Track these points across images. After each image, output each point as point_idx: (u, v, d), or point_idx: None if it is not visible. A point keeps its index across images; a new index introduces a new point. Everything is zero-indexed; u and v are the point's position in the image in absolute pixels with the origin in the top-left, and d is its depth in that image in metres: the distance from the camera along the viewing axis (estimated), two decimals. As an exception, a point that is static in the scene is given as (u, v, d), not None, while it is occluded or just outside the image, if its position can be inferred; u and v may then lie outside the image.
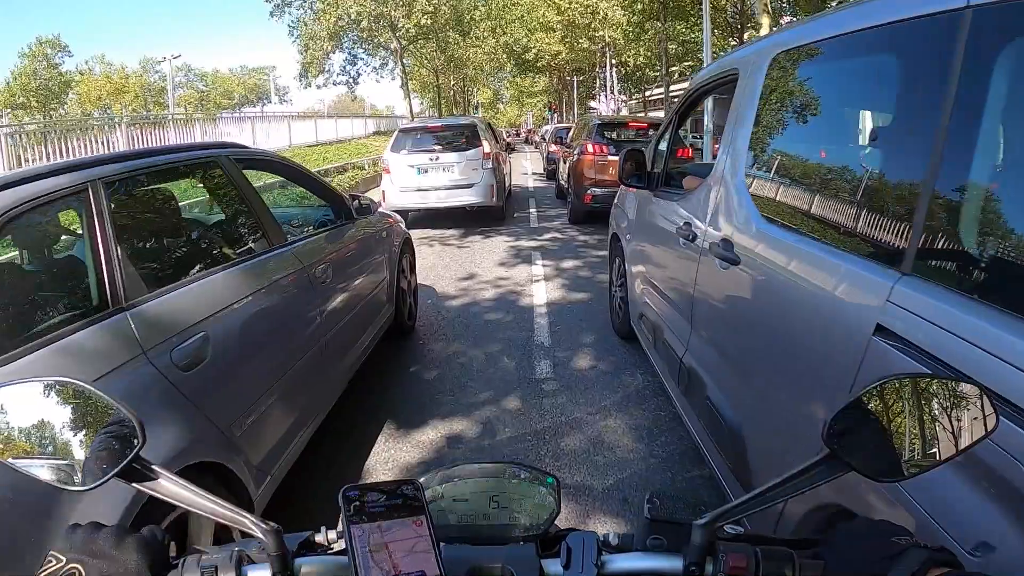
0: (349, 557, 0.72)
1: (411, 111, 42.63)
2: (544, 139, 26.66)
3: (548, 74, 60.48)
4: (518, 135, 70.34)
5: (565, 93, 66.49)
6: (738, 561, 0.77)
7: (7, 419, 0.77)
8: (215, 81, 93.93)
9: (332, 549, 0.83)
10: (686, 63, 38.09)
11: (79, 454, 0.78)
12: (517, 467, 0.93)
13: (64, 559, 0.71)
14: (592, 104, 56.16)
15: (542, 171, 23.37)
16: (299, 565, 0.78)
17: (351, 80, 45.30)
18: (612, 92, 41.51)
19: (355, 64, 44.86)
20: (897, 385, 0.79)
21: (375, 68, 46.59)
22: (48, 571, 0.70)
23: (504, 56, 53.46)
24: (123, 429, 0.79)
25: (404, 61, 42.46)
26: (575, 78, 58.34)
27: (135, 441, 0.78)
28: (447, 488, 0.91)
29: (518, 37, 51.09)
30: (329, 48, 40.78)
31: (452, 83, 58.80)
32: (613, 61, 39.39)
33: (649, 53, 37.04)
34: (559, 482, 0.91)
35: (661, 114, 56.17)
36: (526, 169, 26.01)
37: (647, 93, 51.60)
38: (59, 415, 0.78)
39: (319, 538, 0.83)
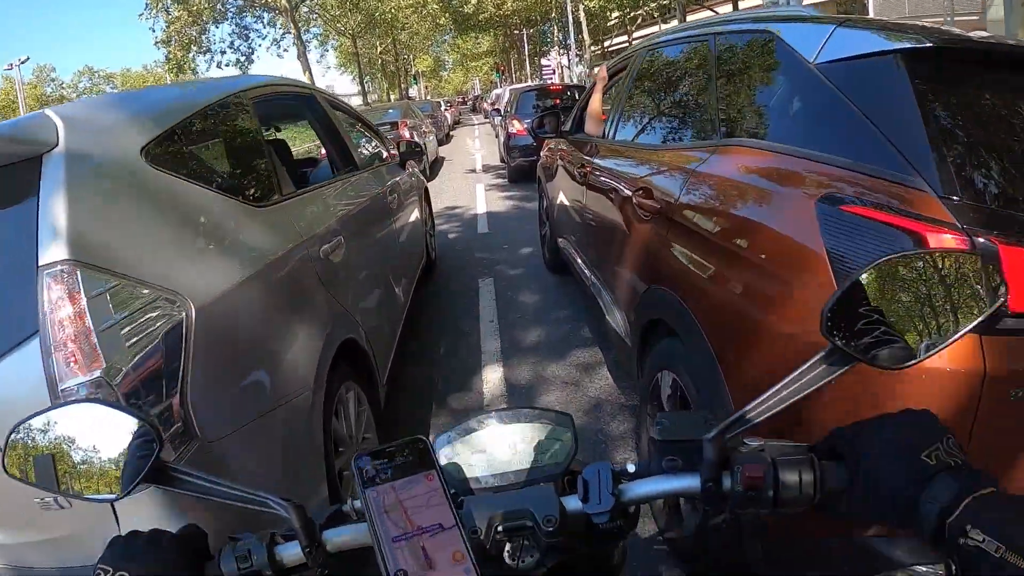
0: (367, 520, 0.80)
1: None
2: (500, 111, 21.24)
3: (493, 31, 60.39)
4: (463, 103, 70.70)
5: (514, 52, 66.56)
6: (754, 472, 0.83)
7: (42, 445, 0.92)
8: (126, 81, 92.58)
9: (357, 519, 0.93)
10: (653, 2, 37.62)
11: (108, 467, 0.91)
12: (530, 410, 1.02)
13: (111, 569, 0.82)
14: (544, 62, 56.33)
15: (499, 162, 18.10)
16: (327, 537, 0.89)
17: (243, 59, 40.06)
18: (578, 40, 40.45)
19: (247, 39, 40.09)
20: (892, 266, 0.84)
21: (275, 40, 41.74)
22: None
23: (438, 8, 50.63)
24: (144, 437, 0.92)
25: (299, 25, 39.21)
26: (524, 31, 58.17)
27: (154, 446, 0.90)
28: (465, 441, 1.00)
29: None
30: (203, 11, 36.26)
31: (380, 51, 58.19)
32: (573, 3, 38.58)
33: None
34: (573, 419, 1.01)
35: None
36: (473, 156, 21.66)
37: (606, 44, 52.19)
38: (85, 434, 0.92)
39: (345, 509, 0.94)
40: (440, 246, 8.78)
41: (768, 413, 0.84)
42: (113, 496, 0.90)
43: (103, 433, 0.91)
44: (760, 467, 0.83)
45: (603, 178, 3.95)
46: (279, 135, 6.36)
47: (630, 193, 3.24)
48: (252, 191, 2.86)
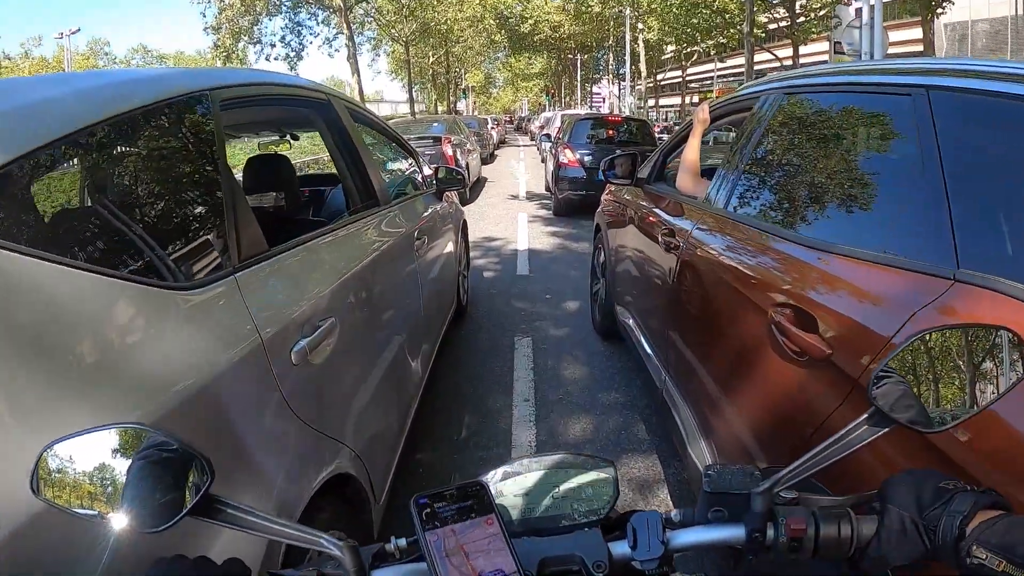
0: (428, 564, 0.81)
1: (360, 90, 38.79)
2: (549, 136, 20.18)
3: (547, 53, 60.45)
4: (510, 122, 70.49)
5: (565, 76, 66.66)
6: (797, 523, 0.88)
7: (76, 470, 0.86)
8: (178, 63, 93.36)
9: (403, 558, 0.92)
10: (714, 40, 37.08)
11: (148, 496, 0.86)
12: (573, 455, 1.06)
13: None
14: (595, 89, 56.31)
15: (545, 191, 17.10)
16: None
17: (293, 55, 39.81)
18: (633, 70, 39.87)
19: (299, 35, 39.75)
20: (935, 337, 0.91)
21: (327, 39, 41.72)
22: None
23: (495, 24, 51.12)
24: (191, 467, 0.88)
25: (352, 26, 38.47)
26: (578, 57, 58.20)
27: (204, 477, 0.87)
28: (507, 484, 1.02)
29: (511, 2, 50.13)
30: (258, 2, 36.08)
31: (432, 61, 57.42)
32: (631, 33, 37.97)
33: (669, 26, 36.08)
34: (615, 466, 1.04)
35: (676, 100, 56.73)
36: (517, 181, 20.86)
37: (659, 77, 51.76)
38: (125, 460, 0.86)
39: (390, 548, 0.92)
40: (474, 286, 7.64)
41: (815, 469, 0.90)
42: (152, 528, 0.84)
43: (144, 459, 0.86)
44: (803, 519, 0.88)
45: (706, 261, 2.87)
46: (288, 143, 5.35)
47: (765, 307, 2.18)
48: (182, 262, 1.78)
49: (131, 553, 1.26)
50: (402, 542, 0.92)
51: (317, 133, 3.91)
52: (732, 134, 12.58)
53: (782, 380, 2.09)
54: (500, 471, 1.03)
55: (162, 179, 1.91)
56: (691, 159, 3.75)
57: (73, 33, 58.45)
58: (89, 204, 1.69)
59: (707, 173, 3.74)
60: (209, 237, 1.95)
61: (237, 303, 1.87)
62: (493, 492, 0.96)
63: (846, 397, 1.74)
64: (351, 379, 2.58)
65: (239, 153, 6.78)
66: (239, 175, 4.31)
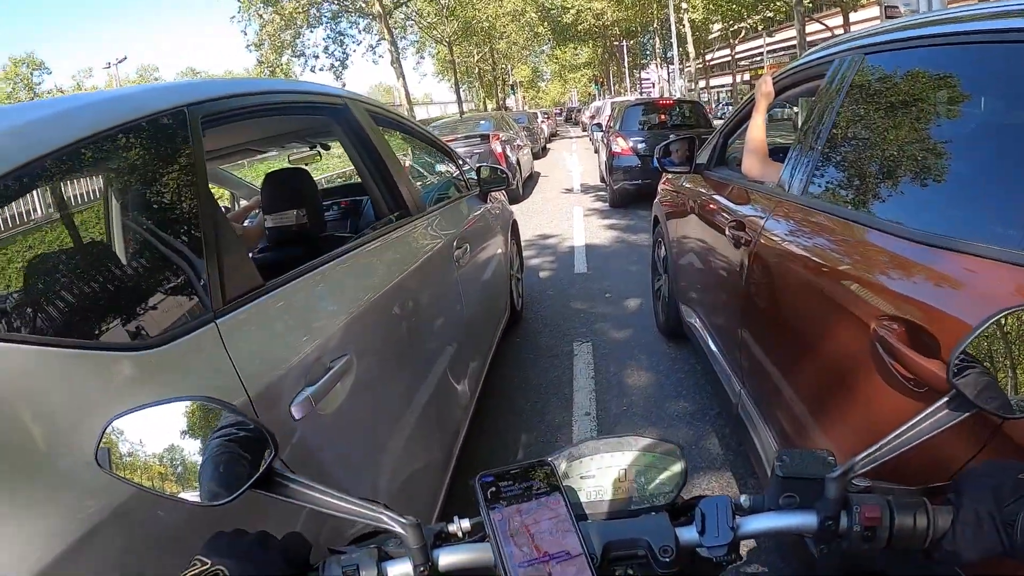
0: (491, 543, 0.80)
1: (407, 94, 38.66)
2: (600, 126, 18.94)
3: (592, 42, 59.90)
4: (559, 114, 70.04)
5: (612, 64, 66.14)
6: (872, 512, 0.85)
7: (137, 443, 0.86)
8: None
9: (466, 538, 0.90)
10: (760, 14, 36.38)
11: (209, 469, 0.86)
12: (639, 438, 1.00)
13: (208, 562, 0.79)
14: (644, 75, 55.63)
15: (599, 182, 16.54)
16: (438, 555, 0.86)
17: (338, 64, 40.38)
18: (681, 53, 39.31)
19: (341, 44, 40.24)
20: (1017, 316, 0.83)
21: (370, 47, 41.64)
22: (192, 573, 0.78)
23: (536, 17, 50.69)
24: (253, 441, 0.88)
25: (393, 31, 38.34)
26: (624, 43, 57.63)
27: (267, 452, 0.87)
28: (572, 467, 0.98)
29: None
30: (297, 15, 36.35)
31: (476, 59, 57.06)
32: (676, 14, 37.33)
33: (714, 4, 35.42)
34: (683, 449, 1.00)
35: (727, 80, 55.78)
36: (571, 173, 20.35)
37: (708, 58, 50.88)
38: (189, 433, 0.87)
39: (452, 528, 0.91)
40: (529, 287, 7.29)
41: (892, 455, 0.86)
42: (215, 502, 0.85)
43: (208, 433, 0.87)
44: (878, 508, 0.85)
45: (785, 258, 2.44)
46: (319, 155, 5.05)
47: (865, 319, 1.75)
48: (136, 316, 1.45)
49: (190, 527, 1.24)
50: (465, 522, 0.91)
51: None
52: (790, 109, 12.11)
53: (886, 410, 1.68)
54: (565, 452, 0.99)
55: (112, 216, 1.59)
56: (757, 139, 3.32)
57: (120, 62, 59.57)
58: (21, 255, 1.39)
59: (773, 155, 3.31)
60: (179, 280, 1.62)
61: (216, 356, 1.54)
62: (559, 473, 0.94)
63: (983, 446, 1.34)
64: (376, 423, 2.23)
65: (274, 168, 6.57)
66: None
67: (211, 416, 0.90)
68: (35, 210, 1.41)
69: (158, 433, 0.87)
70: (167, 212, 1.66)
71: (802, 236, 2.37)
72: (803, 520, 0.88)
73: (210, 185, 5.02)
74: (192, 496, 0.86)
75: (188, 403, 0.89)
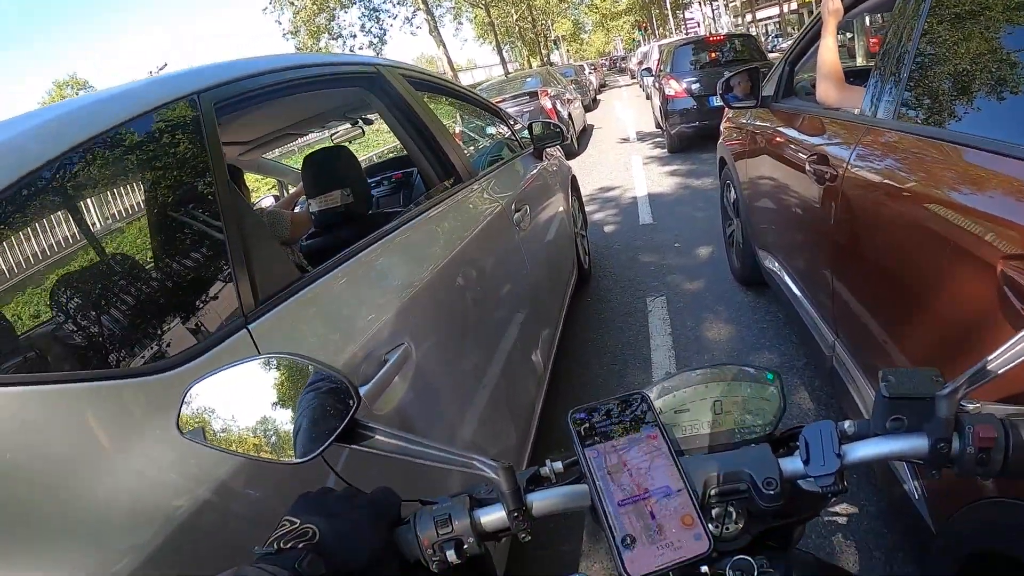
0: (588, 481, 0.79)
1: (449, 61, 37.52)
2: (650, 70, 17.64)
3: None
4: (606, 65, 69.21)
5: (654, 6, 64.99)
6: (987, 432, 0.78)
7: (218, 407, 0.85)
8: None
9: (559, 481, 0.88)
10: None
11: (290, 427, 0.85)
12: (733, 367, 0.98)
13: (298, 521, 0.78)
14: (687, 15, 54.57)
15: (655, 128, 15.78)
16: (531, 500, 0.84)
17: (376, 40, 40.47)
18: None
19: (377, 20, 40.21)
20: None
21: (406, 19, 41.28)
22: (281, 533, 0.77)
23: None
24: (334, 392, 0.86)
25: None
26: (666, -17, 56.58)
27: (350, 403, 0.85)
28: (666, 400, 0.96)
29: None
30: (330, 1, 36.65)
31: (516, 18, 56.26)
32: None
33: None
34: (781, 378, 0.97)
35: (774, 11, 54.29)
36: (625, 123, 19.60)
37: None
38: (270, 391, 0.86)
39: (544, 472, 0.88)
40: (594, 244, 7.08)
41: (1006, 367, 0.78)
42: (297, 458, 0.84)
43: (286, 390, 0.87)
44: (992, 427, 0.78)
45: (882, 194, 2.14)
46: (361, 130, 4.89)
47: (991, 260, 1.48)
48: (147, 338, 1.29)
49: (273, 493, 1.24)
50: (558, 465, 0.88)
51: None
52: (843, 35, 11.63)
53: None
54: (657, 387, 0.98)
55: (117, 221, 1.43)
56: (831, 62, 3.03)
57: (161, 70, 60.59)
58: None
59: (848, 79, 3.03)
60: (202, 285, 1.45)
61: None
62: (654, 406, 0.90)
63: None
64: (441, 415, 2.06)
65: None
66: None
67: (294, 370, 0.88)
68: (26, 229, 1.24)
69: (238, 393, 0.85)
70: (181, 211, 1.50)
71: (900, 166, 2.09)
72: (913, 444, 0.82)
73: (258, 175, 4.83)
74: (271, 455, 0.85)
75: (265, 360, 0.87)
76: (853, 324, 2.54)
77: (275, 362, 0.88)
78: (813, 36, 3.39)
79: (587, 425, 0.84)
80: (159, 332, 1.29)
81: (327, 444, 0.83)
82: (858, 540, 2.56)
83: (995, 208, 1.55)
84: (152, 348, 1.25)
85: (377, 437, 0.86)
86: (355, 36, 39.80)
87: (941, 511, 1.79)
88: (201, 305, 1.39)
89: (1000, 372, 0.78)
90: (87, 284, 1.31)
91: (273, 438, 0.85)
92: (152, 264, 1.43)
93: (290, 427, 0.85)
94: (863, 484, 2.82)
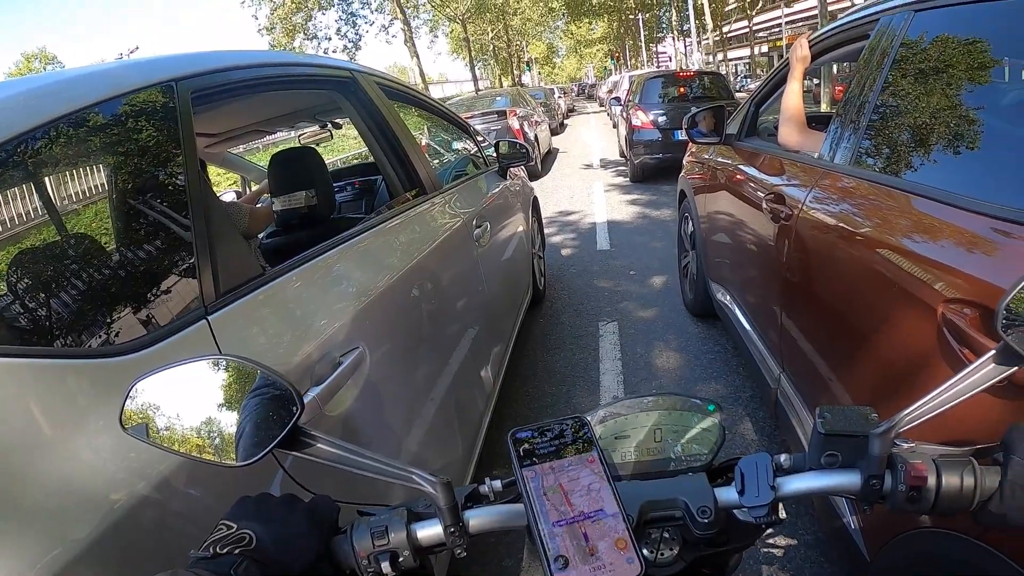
0: (524, 501, 0.77)
1: (421, 73, 37.91)
2: (619, 100, 18.54)
3: (607, 16, 59.39)
4: (577, 92, 69.72)
5: (628, 38, 65.62)
6: (918, 471, 0.82)
7: (162, 404, 0.84)
8: None
9: (497, 500, 0.89)
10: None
11: (233, 430, 0.84)
12: (676, 397, 1.00)
13: (235, 526, 0.78)
14: (660, 49, 55.17)
15: (619, 156, 16.12)
16: (468, 517, 0.85)
17: (351, 45, 40.26)
18: (698, 25, 38.84)
19: (353, 25, 40.19)
20: None
21: (383, 27, 41.27)
22: (218, 538, 0.77)
23: None
24: (279, 398, 0.86)
25: (405, 10, 37.75)
26: (640, 16, 57.15)
27: (294, 410, 0.85)
28: (608, 426, 0.98)
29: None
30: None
31: (491, 36, 56.38)
32: None
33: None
34: (721, 408, 0.98)
35: (745, 52, 55.15)
36: (590, 148, 19.98)
37: (725, 30, 50.24)
38: (215, 393, 0.85)
39: (483, 490, 0.90)
40: (551, 266, 7.14)
41: (937, 411, 0.82)
42: (239, 462, 0.84)
43: (232, 392, 0.86)
44: (923, 467, 0.82)
45: (834, 235, 2.21)
46: (330, 133, 4.89)
47: (932, 303, 1.56)
48: (109, 319, 1.29)
49: (214, 493, 1.23)
50: (497, 483, 0.90)
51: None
52: (810, 81, 11.88)
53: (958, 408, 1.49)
54: (600, 412, 0.99)
55: (87, 199, 1.43)
56: (795, 106, 3.11)
57: (132, 52, 59.69)
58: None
59: (811, 124, 3.11)
60: (166, 272, 1.44)
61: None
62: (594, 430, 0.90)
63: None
64: (392, 420, 2.06)
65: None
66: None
67: (240, 374, 0.88)
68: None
69: (182, 392, 0.85)
70: (150, 197, 1.49)
71: (850, 209, 2.17)
72: (846, 479, 0.85)
73: (220, 169, 4.78)
74: (211, 457, 0.85)
75: (212, 361, 0.87)
76: (798, 359, 2.61)
77: (223, 363, 0.88)
78: (780, 79, 3.47)
79: (526, 446, 0.83)
80: (117, 316, 1.28)
81: (268, 449, 0.83)
82: (795, 568, 2.62)
83: (939, 254, 1.61)
84: (108, 331, 1.25)
85: (318, 445, 0.87)
86: (330, 39, 39.92)
87: (876, 541, 1.84)
88: (162, 292, 1.39)
89: (934, 414, 0.81)
90: (46, 262, 1.30)
91: (216, 440, 0.85)
92: (116, 248, 1.42)
93: (233, 430, 0.85)
94: (802, 513, 2.88)
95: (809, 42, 3.21)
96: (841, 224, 2.18)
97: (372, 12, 40.45)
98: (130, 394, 0.84)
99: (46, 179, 1.36)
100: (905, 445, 0.86)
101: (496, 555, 2.90)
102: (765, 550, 2.72)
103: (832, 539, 2.26)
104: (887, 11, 2.34)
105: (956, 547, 1.40)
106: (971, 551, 1.35)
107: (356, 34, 39.44)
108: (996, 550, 1.27)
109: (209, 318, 1.43)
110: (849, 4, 26.88)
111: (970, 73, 1.82)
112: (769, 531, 0.81)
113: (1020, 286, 0.78)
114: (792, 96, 3.15)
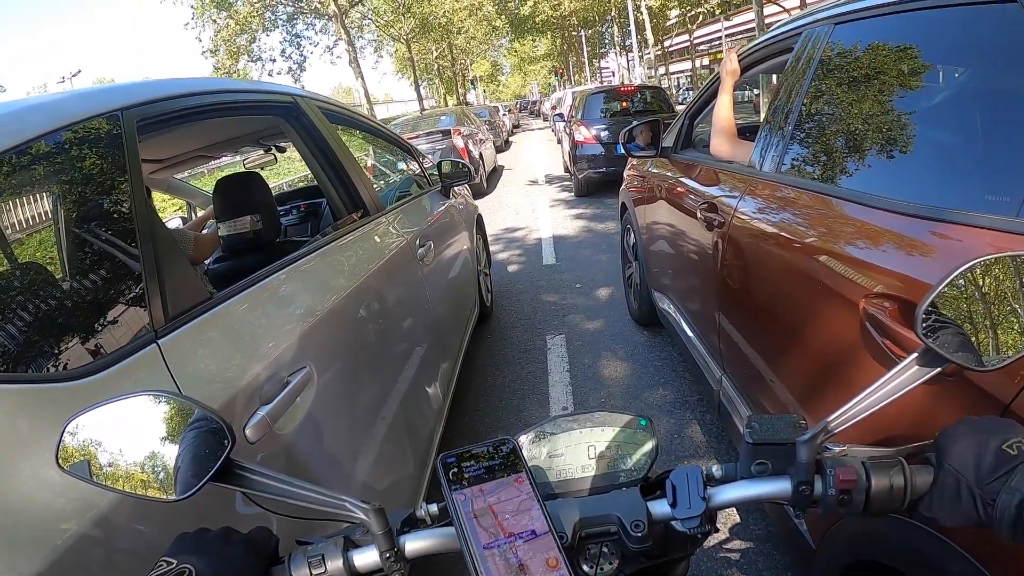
0: (455, 525, 0.78)
1: (366, 94, 37.41)
2: (562, 116, 18.70)
3: (550, 33, 59.81)
4: (521, 109, 69.94)
5: (572, 54, 66.12)
6: (847, 475, 0.83)
7: (95, 441, 0.84)
8: None
9: (433, 523, 0.90)
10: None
11: (170, 464, 0.84)
12: (607, 413, 1.00)
13: (174, 561, 0.77)
14: (604, 64, 55.67)
15: (564, 172, 16.46)
16: (403, 542, 0.85)
17: (296, 67, 39.40)
18: (640, 40, 39.26)
19: (298, 46, 39.13)
20: (989, 265, 0.82)
21: (327, 48, 41.58)
22: (158, 573, 0.76)
23: (494, 10, 49.89)
24: (211, 433, 0.86)
25: (350, 31, 36.80)
26: (583, 33, 57.61)
27: (225, 443, 0.85)
28: (540, 445, 0.98)
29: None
30: (252, 19, 35.28)
31: (436, 55, 56.42)
32: (633, 2, 37.33)
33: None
34: (653, 422, 0.99)
35: (686, 65, 55.91)
36: (534, 166, 20.01)
37: (666, 44, 50.85)
38: (146, 429, 0.85)
39: (420, 514, 0.90)
40: (498, 282, 7.20)
41: (863, 414, 0.85)
42: (176, 496, 0.84)
43: (167, 428, 0.86)
44: (852, 470, 0.84)
45: (761, 238, 2.34)
46: (274, 157, 4.92)
47: (853, 299, 1.66)
48: (59, 344, 1.31)
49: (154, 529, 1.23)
50: (433, 507, 0.90)
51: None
52: (751, 91, 12.12)
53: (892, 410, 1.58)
54: (532, 432, 0.99)
55: (35, 228, 1.46)
56: (725, 118, 3.22)
57: (74, 76, 58.50)
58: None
59: (741, 134, 3.22)
60: (115, 298, 1.47)
61: (158, 380, 1.40)
62: (525, 453, 0.94)
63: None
64: (342, 437, 2.10)
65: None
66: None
67: (171, 409, 0.87)
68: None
69: (116, 429, 0.84)
70: (98, 225, 1.52)
71: (778, 214, 2.27)
72: (777, 487, 0.87)
73: (165, 195, 4.73)
74: (150, 493, 0.85)
75: (146, 397, 0.86)
76: (737, 360, 2.70)
77: (157, 399, 0.87)
78: (712, 93, 3.58)
79: (456, 469, 0.85)
80: (68, 341, 1.31)
81: (203, 482, 0.84)
82: (748, 562, 2.70)
83: (862, 254, 1.71)
84: (60, 356, 1.28)
85: (252, 477, 0.87)
86: (275, 60, 39.24)
87: (818, 528, 1.92)
88: (113, 318, 1.42)
89: (861, 416, 0.84)
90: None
91: (155, 475, 0.85)
92: (66, 276, 1.44)
93: (171, 465, 0.85)
94: (752, 510, 2.96)
95: (738, 56, 3.32)
96: (770, 229, 2.28)
97: (316, 33, 39.83)
98: (66, 430, 0.83)
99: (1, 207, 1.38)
100: (837, 449, 0.88)
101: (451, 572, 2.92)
102: (720, 547, 2.80)
103: (784, 533, 2.34)
104: (810, 24, 2.46)
105: (887, 526, 1.48)
106: (901, 528, 1.42)
107: (301, 55, 38.88)
108: (925, 526, 1.35)
109: (159, 342, 1.46)
110: (784, 17, 27.41)
111: (887, 79, 1.93)
112: (709, 539, 0.85)
113: (937, 290, 0.81)
114: (723, 108, 3.25)
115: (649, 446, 0.98)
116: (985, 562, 1.24)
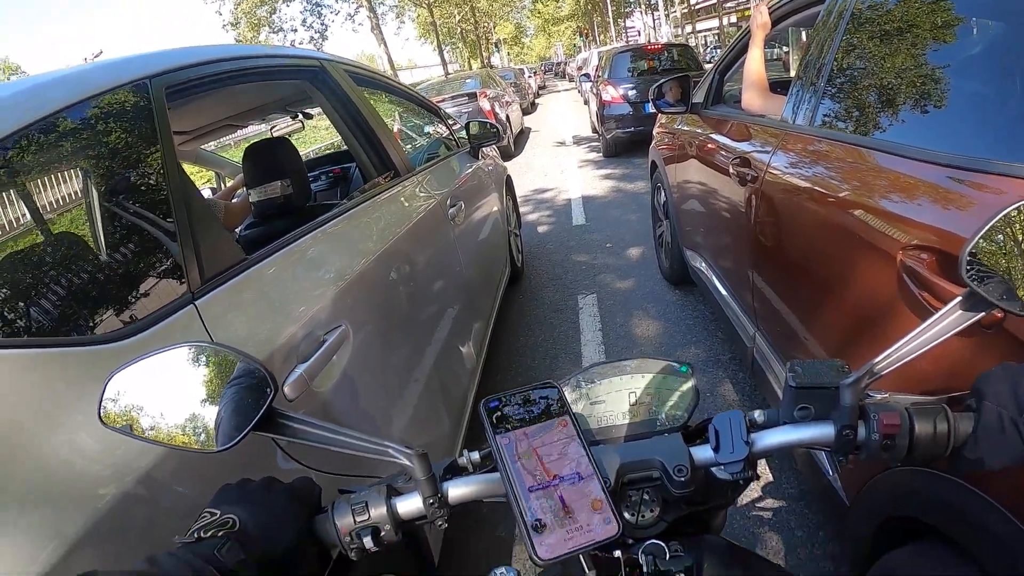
0: (499, 468, 0.78)
1: (389, 60, 37.86)
2: (589, 76, 18.66)
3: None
4: (546, 70, 69.39)
5: (596, 14, 65.36)
6: (891, 419, 0.82)
7: (136, 396, 0.83)
8: None
9: (476, 470, 0.90)
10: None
11: (212, 415, 0.84)
12: (649, 360, 1.00)
13: (218, 512, 0.78)
14: (629, 24, 55.05)
15: (592, 133, 16.18)
16: (447, 488, 0.86)
17: (317, 36, 39.75)
18: None
19: (319, 15, 39.65)
20: None
21: (348, 15, 41.50)
22: (202, 524, 0.77)
23: None
24: (253, 382, 0.86)
25: None
26: (607, -9, 56.91)
27: (267, 391, 0.85)
28: (582, 392, 0.98)
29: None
30: None
31: (458, 19, 55.90)
32: None
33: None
34: (694, 369, 0.99)
35: (713, 23, 55.08)
36: (561, 127, 19.78)
37: (693, 2, 50.10)
38: (187, 381, 0.85)
39: (462, 462, 0.90)
40: (528, 243, 7.19)
41: (908, 358, 0.83)
42: (218, 448, 0.83)
43: (208, 379, 0.86)
44: (896, 415, 0.82)
45: (796, 193, 2.29)
46: (302, 124, 4.91)
47: (891, 251, 1.63)
48: (97, 307, 1.33)
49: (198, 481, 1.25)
50: (475, 455, 0.90)
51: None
52: (780, 49, 11.85)
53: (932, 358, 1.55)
54: (574, 378, 0.99)
55: (71, 197, 1.47)
56: (757, 72, 3.17)
57: (96, 56, 58.81)
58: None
59: (772, 88, 3.17)
60: (152, 262, 1.49)
61: (197, 338, 1.42)
62: (568, 399, 0.90)
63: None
64: (378, 394, 2.12)
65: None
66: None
67: (212, 359, 0.88)
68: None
69: (159, 382, 0.85)
70: (133, 192, 1.53)
71: (812, 168, 2.23)
72: (820, 432, 0.86)
73: (195, 166, 4.73)
74: (193, 444, 0.84)
75: (187, 348, 0.87)
76: (771, 316, 2.67)
77: (197, 351, 0.88)
78: (742, 48, 3.52)
79: (499, 414, 0.84)
80: (110, 306, 1.33)
81: (245, 432, 0.83)
82: (781, 520, 2.69)
83: (899, 207, 1.67)
84: (102, 320, 1.30)
85: (294, 426, 0.87)
86: (296, 30, 39.17)
87: (852, 486, 1.91)
88: (151, 282, 1.44)
89: (903, 361, 0.82)
90: (38, 262, 1.35)
91: (197, 427, 0.84)
92: (104, 242, 1.46)
93: (213, 416, 0.85)
94: (785, 468, 2.95)
95: (768, 9, 3.26)
96: (804, 183, 2.25)
97: (337, 1, 39.89)
98: (108, 385, 0.83)
99: (33, 178, 1.40)
100: (879, 396, 0.87)
101: (491, 524, 2.96)
102: (753, 506, 2.79)
103: (817, 491, 2.32)
104: None
105: (924, 481, 1.45)
106: (938, 484, 1.40)
107: (322, 24, 39.01)
108: (963, 481, 1.33)
109: (196, 303, 1.47)
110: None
111: (922, 29, 1.88)
112: (748, 489, 0.84)
113: (982, 233, 0.79)
114: (754, 62, 3.21)
115: (690, 392, 0.97)
116: (1025, 519, 1.21)
